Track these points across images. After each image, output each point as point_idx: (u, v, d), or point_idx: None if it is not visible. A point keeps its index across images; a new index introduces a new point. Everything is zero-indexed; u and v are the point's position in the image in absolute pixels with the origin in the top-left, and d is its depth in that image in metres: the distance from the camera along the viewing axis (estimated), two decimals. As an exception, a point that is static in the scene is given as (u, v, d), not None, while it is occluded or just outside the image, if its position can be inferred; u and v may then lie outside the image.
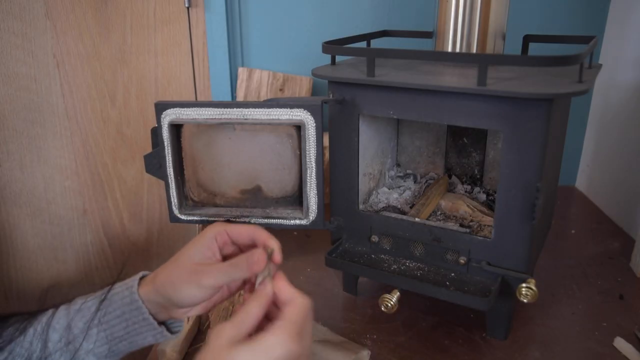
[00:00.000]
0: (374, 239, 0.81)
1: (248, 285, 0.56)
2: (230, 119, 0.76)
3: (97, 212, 1.36)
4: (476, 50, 0.79)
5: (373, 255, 0.82)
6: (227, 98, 1.25)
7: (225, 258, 0.57)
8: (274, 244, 0.54)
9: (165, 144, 0.78)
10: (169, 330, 0.57)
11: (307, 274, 0.96)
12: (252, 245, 0.56)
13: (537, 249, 0.79)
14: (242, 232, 0.57)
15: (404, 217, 0.80)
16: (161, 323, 0.56)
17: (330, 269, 0.95)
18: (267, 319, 0.48)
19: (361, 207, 0.84)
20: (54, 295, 1.41)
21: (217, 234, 0.56)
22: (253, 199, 0.85)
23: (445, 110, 0.70)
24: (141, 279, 0.57)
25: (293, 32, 1.23)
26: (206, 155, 0.82)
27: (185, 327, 0.78)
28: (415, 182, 0.99)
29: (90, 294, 0.58)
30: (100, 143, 1.31)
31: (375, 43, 0.94)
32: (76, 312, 0.55)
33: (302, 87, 1.23)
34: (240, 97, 1.22)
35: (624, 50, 1.11)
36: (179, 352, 0.74)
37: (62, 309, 0.56)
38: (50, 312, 0.56)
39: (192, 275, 0.52)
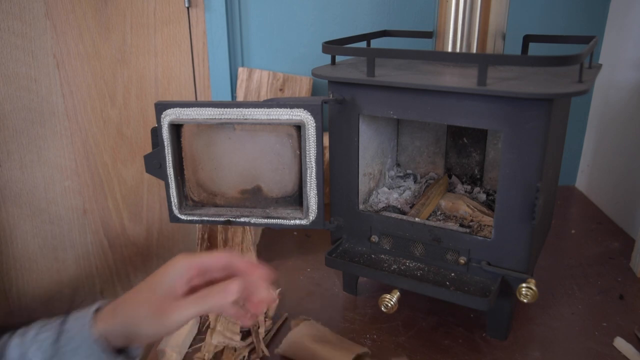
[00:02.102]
0: (374, 239, 0.81)
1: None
2: (230, 119, 0.76)
3: (97, 212, 1.36)
4: (476, 50, 0.79)
5: (373, 255, 0.82)
6: (227, 98, 1.25)
7: (193, 290, 0.53)
8: (258, 273, 0.52)
9: (165, 144, 0.78)
10: (129, 357, 0.54)
11: (307, 274, 0.96)
12: (226, 275, 0.53)
13: (537, 249, 0.79)
14: (216, 261, 0.53)
15: (404, 217, 0.80)
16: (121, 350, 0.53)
17: (330, 269, 0.95)
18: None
19: (361, 207, 0.84)
20: (54, 295, 1.41)
21: (186, 269, 0.52)
22: (253, 199, 0.85)
23: (445, 110, 0.70)
24: (97, 310, 0.54)
25: (293, 32, 1.23)
26: (206, 155, 0.82)
27: (185, 327, 0.78)
28: (415, 182, 0.99)
29: (45, 321, 0.54)
30: (100, 143, 1.31)
31: (375, 43, 0.94)
32: (31, 342, 0.52)
33: (302, 87, 1.23)
34: (240, 97, 1.22)
35: (624, 50, 1.11)
36: (179, 352, 0.74)
37: (15, 338, 0.53)
38: (5, 337, 0.53)
39: (156, 313, 0.49)
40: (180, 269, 0.52)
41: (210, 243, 0.99)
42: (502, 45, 0.82)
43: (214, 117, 0.76)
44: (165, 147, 0.79)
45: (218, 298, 0.49)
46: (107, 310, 0.53)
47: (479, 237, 0.73)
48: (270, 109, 0.75)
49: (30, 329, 0.54)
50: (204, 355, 0.73)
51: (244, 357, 0.74)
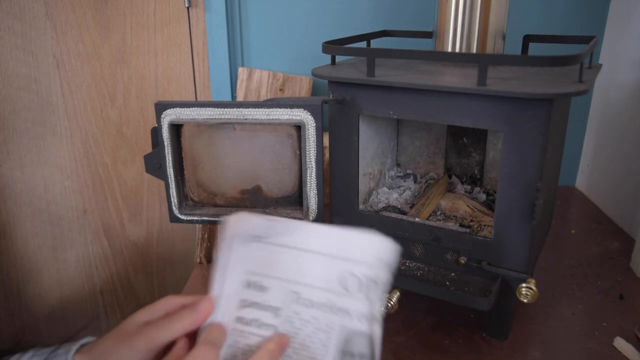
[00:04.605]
0: (374, 239, 0.81)
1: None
2: (230, 119, 0.76)
3: (97, 212, 1.36)
4: (476, 50, 0.79)
5: (373, 255, 0.82)
6: (227, 98, 1.25)
7: None
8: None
9: (165, 144, 0.78)
10: None
11: (307, 274, 0.96)
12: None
13: (537, 249, 0.79)
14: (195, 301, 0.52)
15: (404, 217, 0.80)
16: None
17: (330, 269, 0.94)
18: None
19: (361, 207, 0.84)
20: (54, 296, 1.41)
21: (168, 306, 0.52)
22: (253, 199, 0.85)
23: (445, 110, 0.70)
24: (83, 345, 0.53)
25: (293, 32, 1.23)
26: (206, 155, 0.82)
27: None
28: (415, 182, 0.99)
29: (40, 349, 0.56)
30: (100, 143, 1.31)
31: (375, 43, 0.94)
32: None
33: (302, 87, 1.23)
34: (240, 97, 1.22)
35: (624, 50, 1.11)
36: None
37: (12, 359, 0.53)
38: (4, 359, 0.55)
39: (125, 339, 0.48)
40: (163, 304, 0.52)
41: (210, 243, 0.99)
42: (502, 45, 0.82)
43: (214, 117, 0.76)
44: (165, 147, 0.79)
45: (188, 320, 0.48)
46: (88, 345, 0.53)
47: (479, 237, 0.73)
48: (270, 109, 0.75)
49: (25, 354, 0.54)
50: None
51: (244, 357, 0.74)
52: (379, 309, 0.48)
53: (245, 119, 0.76)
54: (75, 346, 0.53)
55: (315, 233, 0.47)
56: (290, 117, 0.75)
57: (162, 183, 0.81)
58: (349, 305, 0.47)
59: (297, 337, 0.47)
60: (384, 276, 0.48)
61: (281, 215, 0.82)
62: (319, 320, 0.47)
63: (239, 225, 0.47)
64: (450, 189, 0.97)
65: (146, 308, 0.52)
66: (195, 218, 0.83)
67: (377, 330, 0.48)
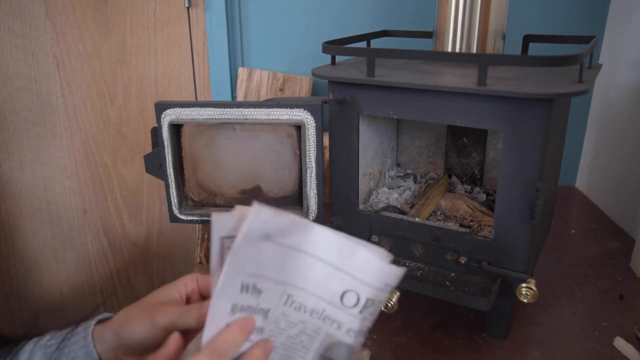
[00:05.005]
0: (374, 239, 0.81)
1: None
2: (230, 119, 0.76)
3: (97, 212, 1.36)
4: (476, 50, 0.79)
5: (373, 255, 0.82)
6: (227, 98, 1.25)
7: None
8: None
9: (165, 144, 0.78)
10: None
11: (307, 274, 0.96)
12: None
13: (537, 249, 0.79)
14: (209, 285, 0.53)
15: (404, 217, 0.80)
16: None
17: (330, 269, 0.95)
18: None
19: (361, 207, 0.84)
20: (54, 295, 1.41)
21: (188, 280, 0.54)
22: (253, 198, 0.85)
23: (445, 110, 0.70)
24: (103, 320, 0.55)
25: (293, 32, 1.23)
26: (206, 155, 0.82)
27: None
28: (415, 182, 0.99)
29: (61, 330, 0.56)
30: (100, 143, 1.31)
31: (375, 43, 0.94)
32: (39, 347, 0.54)
33: (302, 87, 1.23)
34: (240, 97, 1.22)
35: (624, 50, 1.11)
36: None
37: (30, 344, 0.55)
38: (23, 343, 0.55)
39: (147, 312, 0.49)
40: (183, 280, 0.53)
41: (210, 243, 0.99)
42: (502, 45, 0.82)
43: (214, 117, 0.76)
44: (165, 147, 0.79)
45: (193, 317, 0.48)
46: (106, 320, 0.54)
47: (479, 237, 0.73)
48: (270, 109, 0.75)
49: (44, 336, 0.56)
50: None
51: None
52: (368, 325, 0.48)
53: (245, 119, 0.76)
54: (93, 321, 0.54)
55: (328, 240, 0.45)
56: (290, 117, 0.75)
57: (162, 183, 0.81)
58: (342, 318, 0.47)
59: (279, 337, 0.46)
60: (384, 298, 0.47)
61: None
62: (306, 325, 0.46)
63: (256, 220, 0.45)
64: (450, 189, 0.97)
65: (168, 285, 0.53)
66: (195, 218, 0.83)
67: (360, 341, 0.48)
